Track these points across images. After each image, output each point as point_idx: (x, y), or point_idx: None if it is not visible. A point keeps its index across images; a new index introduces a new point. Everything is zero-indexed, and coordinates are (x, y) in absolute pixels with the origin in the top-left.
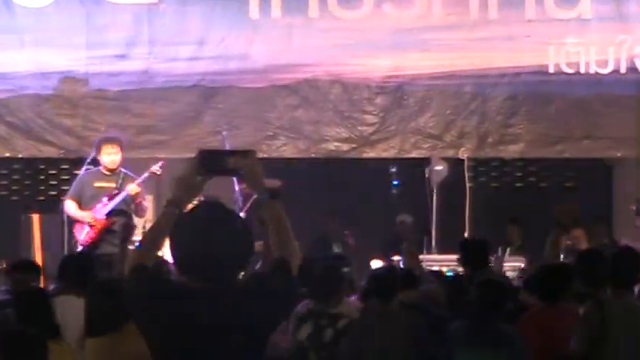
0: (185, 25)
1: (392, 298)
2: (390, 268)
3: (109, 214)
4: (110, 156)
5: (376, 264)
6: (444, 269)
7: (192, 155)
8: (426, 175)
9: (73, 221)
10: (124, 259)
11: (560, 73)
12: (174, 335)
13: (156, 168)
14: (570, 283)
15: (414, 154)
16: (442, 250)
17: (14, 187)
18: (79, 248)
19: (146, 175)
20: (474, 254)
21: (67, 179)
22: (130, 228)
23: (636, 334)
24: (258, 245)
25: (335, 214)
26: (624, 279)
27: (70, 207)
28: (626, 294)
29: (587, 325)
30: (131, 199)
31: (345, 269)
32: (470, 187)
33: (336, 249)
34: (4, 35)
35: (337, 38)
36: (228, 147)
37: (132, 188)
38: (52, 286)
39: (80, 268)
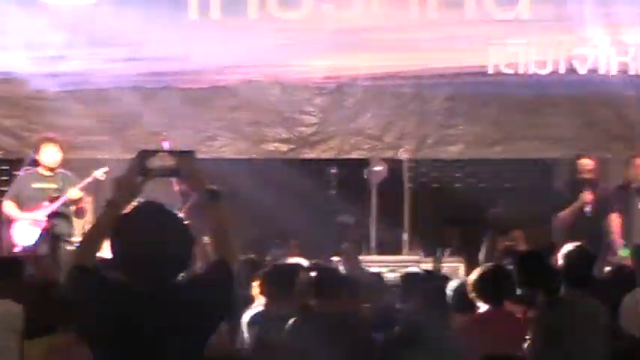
0: (124, 26)
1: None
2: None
3: (50, 217)
4: (50, 155)
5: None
6: (384, 270)
7: (132, 156)
8: (366, 176)
9: (7, 222)
10: (63, 261)
11: (500, 74)
12: (115, 336)
13: (99, 174)
14: (512, 284)
15: (353, 155)
16: (381, 251)
17: None
18: (17, 249)
19: (88, 180)
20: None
21: (7, 180)
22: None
23: (590, 334)
24: None
25: (274, 215)
26: (577, 278)
27: (9, 208)
28: (580, 293)
29: (541, 325)
30: (71, 202)
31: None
32: (409, 188)
33: (275, 250)
34: None
35: (277, 39)
36: (167, 148)
37: (73, 193)
38: None
39: (13, 270)
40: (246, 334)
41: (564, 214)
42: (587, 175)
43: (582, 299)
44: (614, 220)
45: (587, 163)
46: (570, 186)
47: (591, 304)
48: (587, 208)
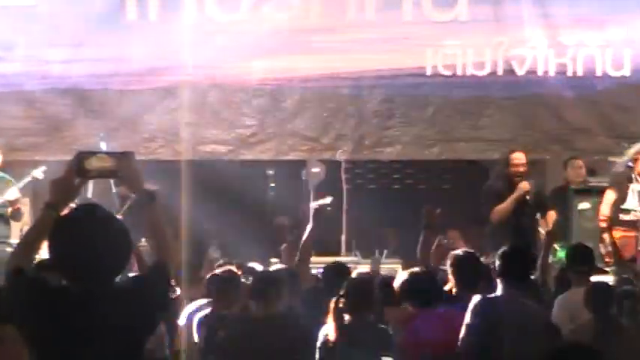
0: (61, 27)
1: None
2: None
3: None
4: None
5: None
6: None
7: (70, 157)
8: (303, 178)
9: None
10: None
11: (438, 75)
12: (52, 337)
13: (38, 173)
14: (442, 285)
15: (291, 156)
16: (319, 252)
17: None
18: None
19: (27, 180)
20: None
21: None
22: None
23: (526, 332)
24: None
25: (212, 217)
26: (514, 276)
27: None
28: (516, 291)
29: (475, 324)
30: (8, 204)
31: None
32: (347, 190)
33: (213, 252)
34: None
35: (215, 40)
36: (105, 149)
37: (11, 194)
38: None
39: None
40: (196, 335)
41: (503, 206)
42: (520, 169)
43: (518, 299)
44: (550, 220)
45: (519, 157)
46: (503, 180)
47: (527, 304)
48: (528, 197)
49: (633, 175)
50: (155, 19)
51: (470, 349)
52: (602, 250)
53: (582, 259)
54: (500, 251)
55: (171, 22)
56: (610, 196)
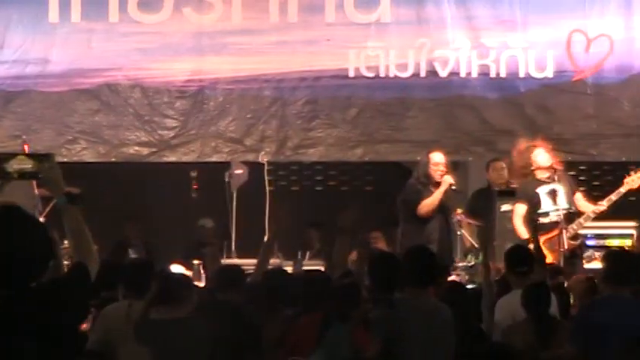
0: None
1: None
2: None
3: None
4: None
5: (176, 268)
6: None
7: None
8: (227, 179)
9: None
10: None
11: (361, 76)
12: None
13: None
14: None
15: (214, 158)
16: (242, 255)
17: None
18: None
19: None
20: None
21: None
22: None
23: (432, 334)
24: None
25: (132, 219)
26: (420, 278)
27: None
28: (423, 293)
29: (380, 327)
30: None
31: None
32: (270, 191)
33: (134, 254)
34: None
35: (137, 42)
36: (27, 151)
37: None
38: None
39: None
40: None
41: (430, 200)
42: (440, 169)
43: (424, 299)
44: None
45: (439, 157)
46: (424, 180)
47: (432, 304)
48: (454, 187)
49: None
50: (78, 20)
51: (375, 351)
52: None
53: (521, 260)
54: (408, 253)
55: (93, 24)
56: (521, 209)
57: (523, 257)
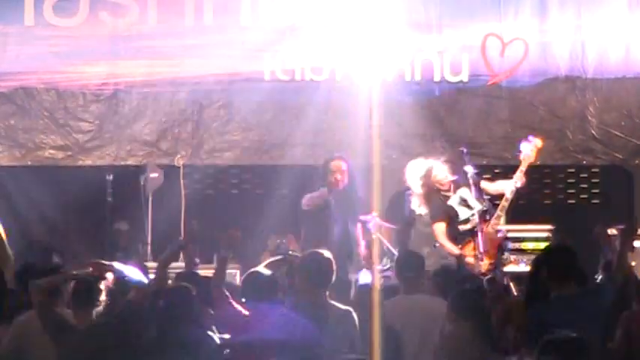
0: None
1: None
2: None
3: None
4: None
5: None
6: None
7: None
8: (142, 183)
9: None
10: None
11: (276, 80)
12: None
13: None
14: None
15: (129, 162)
16: (157, 258)
17: None
18: None
19: None
20: None
21: None
22: None
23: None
24: None
25: (49, 223)
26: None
27: None
28: (319, 291)
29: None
30: None
31: None
32: (185, 194)
33: (56, 258)
34: None
35: (52, 46)
36: None
37: None
38: None
39: None
40: None
41: (315, 194)
42: (337, 176)
43: (319, 299)
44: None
45: (337, 164)
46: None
47: (322, 306)
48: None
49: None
50: None
51: None
52: (471, 270)
53: (410, 266)
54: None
55: (9, 27)
56: (440, 228)
57: (412, 263)
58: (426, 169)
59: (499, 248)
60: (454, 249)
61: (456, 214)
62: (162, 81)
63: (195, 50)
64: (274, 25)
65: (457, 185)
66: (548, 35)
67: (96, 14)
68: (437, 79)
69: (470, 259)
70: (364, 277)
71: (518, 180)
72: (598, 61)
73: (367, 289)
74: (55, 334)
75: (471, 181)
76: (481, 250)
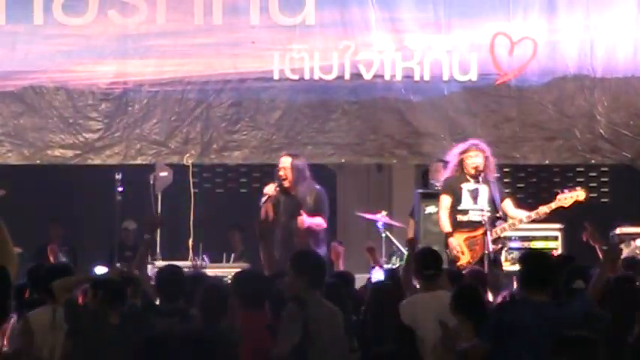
0: None
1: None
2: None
3: None
4: None
5: (100, 270)
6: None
7: None
8: (151, 182)
9: None
10: None
11: (285, 79)
12: None
13: None
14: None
15: (139, 161)
16: (167, 257)
17: None
18: None
19: None
20: None
21: None
22: None
23: (337, 334)
24: None
25: (56, 221)
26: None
27: None
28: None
29: (289, 325)
30: None
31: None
32: (194, 193)
33: (62, 257)
34: None
35: (62, 45)
36: None
37: None
38: None
39: None
40: None
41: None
42: (280, 173)
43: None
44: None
45: (282, 161)
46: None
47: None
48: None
49: (464, 175)
50: (2, 23)
51: (283, 349)
52: (449, 254)
53: (429, 263)
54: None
55: (18, 27)
56: (445, 201)
57: (432, 260)
58: (466, 148)
59: (488, 256)
60: (446, 226)
61: (460, 199)
62: (172, 80)
63: (205, 49)
64: (283, 24)
65: (479, 180)
66: (557, 34)
67: (105, 13)
68: (446, 78)
69: (456, 248)
70: (377, 275)
71: (541, 215)
72: (607, 60)
73: (380, 286)
74: (89, 329)
75: (498, 188)
76: (487, 250)
